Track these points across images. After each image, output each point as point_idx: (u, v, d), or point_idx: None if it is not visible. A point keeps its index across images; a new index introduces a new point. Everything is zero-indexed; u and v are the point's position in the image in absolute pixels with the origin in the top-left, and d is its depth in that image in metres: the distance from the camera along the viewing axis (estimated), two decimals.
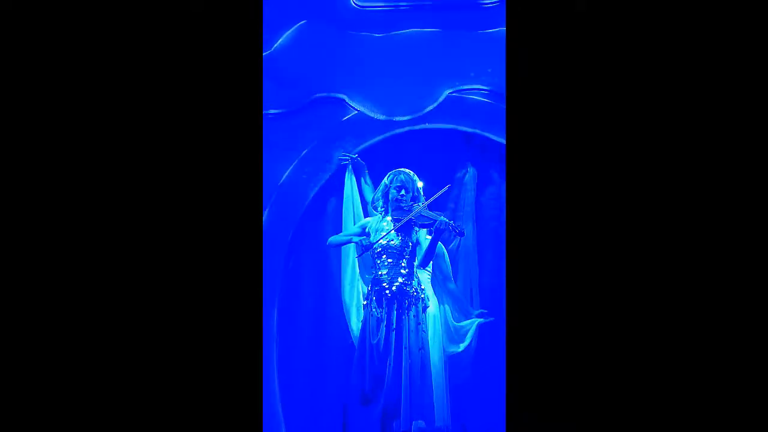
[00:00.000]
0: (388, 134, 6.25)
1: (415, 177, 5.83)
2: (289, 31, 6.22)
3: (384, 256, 5.76)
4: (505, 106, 4.48)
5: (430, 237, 5.70)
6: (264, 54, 6.09)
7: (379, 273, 5.76)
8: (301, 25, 6.20)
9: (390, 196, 5.80)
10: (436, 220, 5.59)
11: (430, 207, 5.70)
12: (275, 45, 6.22)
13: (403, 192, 5.77)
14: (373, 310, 5.71)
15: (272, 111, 6.09)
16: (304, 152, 6.22)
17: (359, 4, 6.14)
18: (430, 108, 6.11)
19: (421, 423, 5.61)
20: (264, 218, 6.05)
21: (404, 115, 6.15)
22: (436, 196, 5.69)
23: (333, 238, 5.92)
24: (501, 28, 5.48)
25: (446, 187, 5.70)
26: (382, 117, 6.11)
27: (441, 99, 6.12)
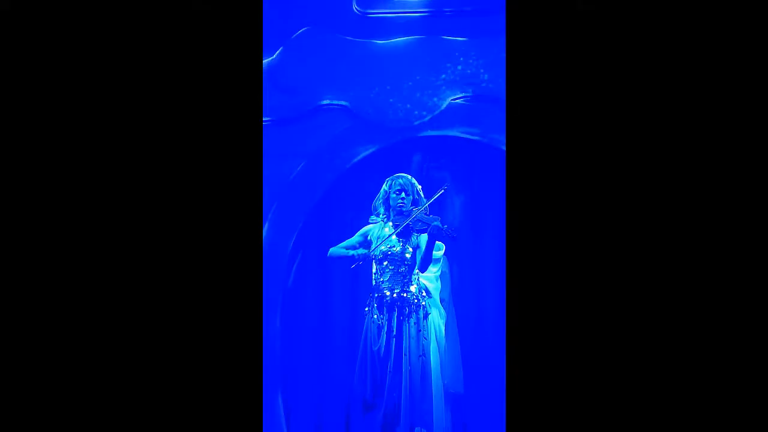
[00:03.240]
0: (389, 143, 6.24)
1: (414, 181, 5.80)
2: (291, 38, 6.22)
3: (385, 262, 5.73)
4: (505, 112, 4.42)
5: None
6: (266, 61, 6.12)
7: (380, 279, 5.73)
8: (303, 32, 6.20)
9: (391, 201, 5.77)
10: (430, 225, 5.59)
11: (428, 211, 5.68)
12: (276, 52, 6.22)
13: (403, 195, 5.75)
14: (374, 316, 5.69)
15: (269, 119, 6.08)
16: (302, 164, 6.20)
17: (360, 9, 6.13)
18: (433, 115, 6.11)
19: (424, 431, 5.58)
20: (266, 226, 6.05)
21: (407, 123, 6.14)
22: (433, 198, 5.66)
23: (333, 250, 5.89)
24: (502, 33, 5.46)
25: (443, 189, 5.67)
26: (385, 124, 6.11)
27: (444, 106, 6.10)
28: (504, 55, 4.46)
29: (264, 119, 6.06)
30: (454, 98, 6.11)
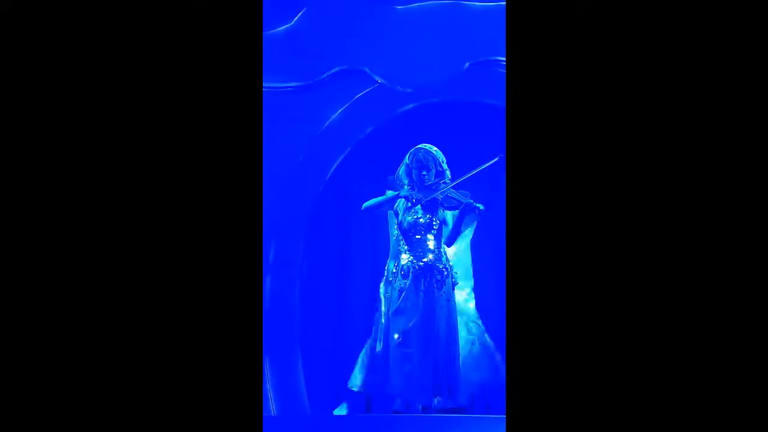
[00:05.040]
0: (408, 107, 6.21)
1: (437, 152, 5.74)
2: (310, 4, 6.20)
3: (412, 233, 5.72)
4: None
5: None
6: (284, 27, 6.11)
7: (407, 249, 5.72)
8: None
9: (413, 175, 5.73)
10: (462, 203, 5.60)
11: (457, 187, 5.67)
12: (296, 17, 6.20)
13: (424, 173, 5.71)
14: (397, 283, 5.68)
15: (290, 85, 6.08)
16: (320, 130, 6.19)
17: None
18: (453, 80, 6.07)
19: (438, 399, 5.61)
20: (282, 194, 6.09)
21: (427, 88, 6.10)
22: (480, 168, 5.65)
23: (367, 203, 5.85)
24: None
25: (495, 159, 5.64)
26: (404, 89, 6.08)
27: (463, 71, 6.06)
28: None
29: (283, 85, 6.09)
30: (473, 62, 6.07)
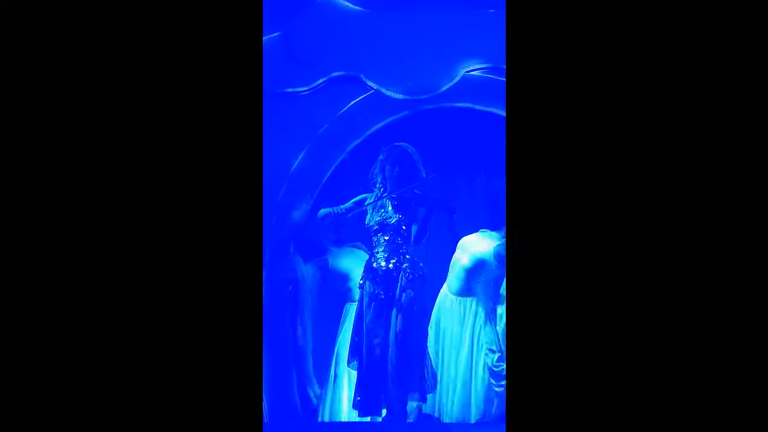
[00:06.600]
0: (403, 114, 6.20)
1: (412, 151, 5.71)
2: (306, 10, 6.18)
3: (380, 234, 5.69)
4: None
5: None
6: (278, 34, 6.10)
7: (375, 251, 5.69)
8: (315, 3, 6.15)
9: (386, 172, 5.72)
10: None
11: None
12: (291, 23, 6.18)
13: (397, 169, 5.69)
14: (368, 287, 5.65)
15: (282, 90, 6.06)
16: (318, 134, 6.18)
17: None
18: (447, 87, 6.05)
19: (414, 404, 5.60)
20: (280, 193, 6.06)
21: (421, 94, 6.08)
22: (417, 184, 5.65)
23: (323, 210, 5.85)
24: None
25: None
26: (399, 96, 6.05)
27: (457, 78, 6.04)
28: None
29: (276, 91, 6.08)
30: (468, 70, 6.05)
